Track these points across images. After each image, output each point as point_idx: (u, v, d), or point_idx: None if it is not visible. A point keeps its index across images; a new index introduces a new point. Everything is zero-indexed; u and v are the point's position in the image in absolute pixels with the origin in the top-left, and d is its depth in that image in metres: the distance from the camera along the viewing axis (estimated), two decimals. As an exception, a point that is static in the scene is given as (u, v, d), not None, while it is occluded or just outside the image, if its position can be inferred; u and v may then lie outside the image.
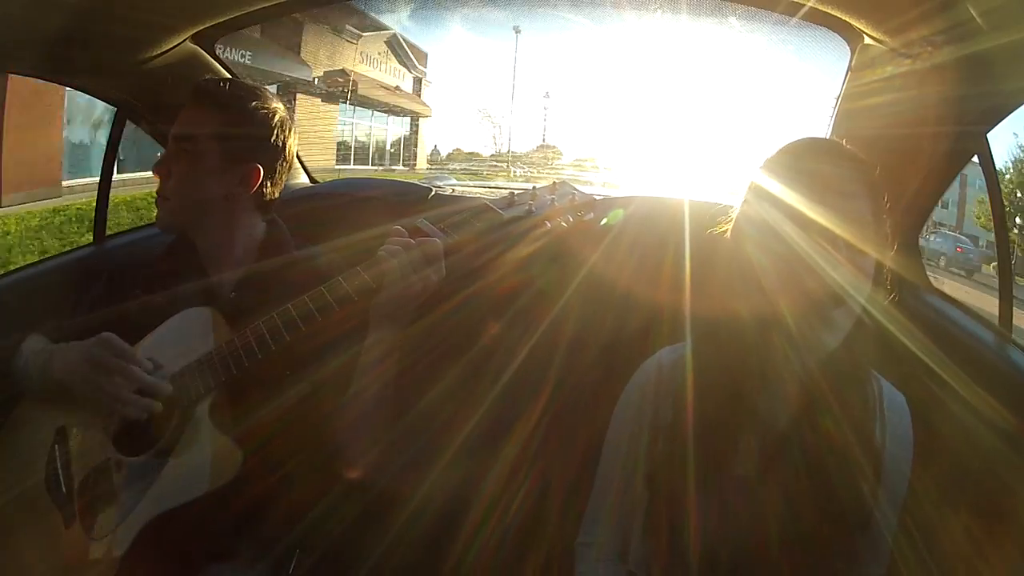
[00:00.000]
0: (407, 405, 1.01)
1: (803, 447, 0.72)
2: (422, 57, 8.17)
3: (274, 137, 1.00)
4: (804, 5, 0.96)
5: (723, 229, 0.78)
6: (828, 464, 0.71)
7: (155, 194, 1.00)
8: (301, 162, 1.52)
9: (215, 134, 0.96)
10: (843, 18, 0.93)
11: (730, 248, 0.74)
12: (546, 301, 1.08)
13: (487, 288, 1.03)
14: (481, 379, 1.06)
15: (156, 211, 1.00)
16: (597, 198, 0.91)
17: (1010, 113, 0.92)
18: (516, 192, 0.88)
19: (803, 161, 0.72)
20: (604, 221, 1.05)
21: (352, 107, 7.58)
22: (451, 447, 1.03)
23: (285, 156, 1.02)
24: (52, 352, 0.91)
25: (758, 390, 0.74)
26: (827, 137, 1.11)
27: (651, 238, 1.08)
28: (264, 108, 0.99)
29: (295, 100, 6.65)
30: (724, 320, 0.73)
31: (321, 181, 1.57)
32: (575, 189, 0.88)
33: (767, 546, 0.71)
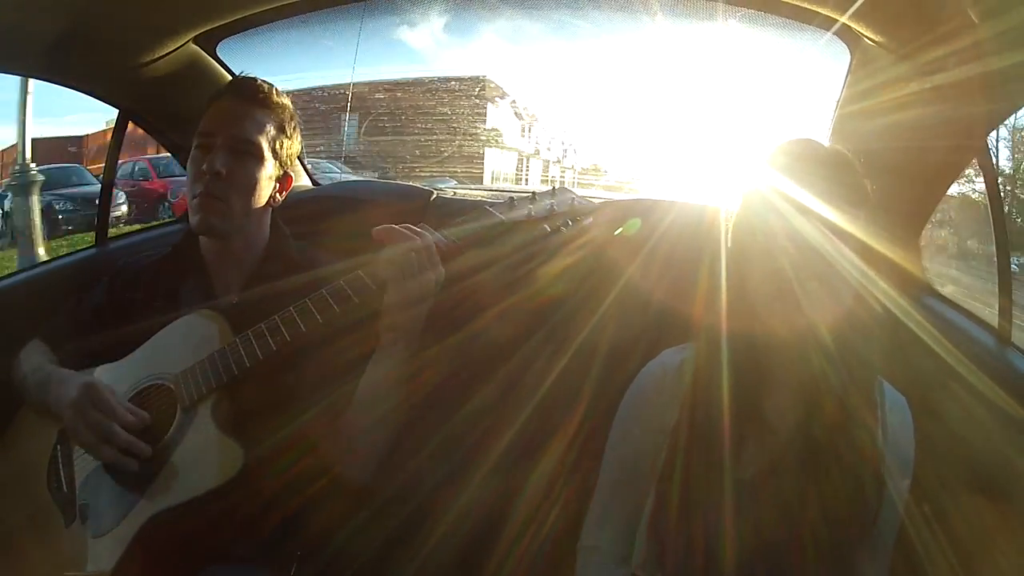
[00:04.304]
0: (437, 421, 1.03)
1: (808, 451, 0.72)
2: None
3: (299, 144, 1.03)
4: (802, 8, 0.97)
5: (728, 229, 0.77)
6: (832, 468, 0.71)
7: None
8: (303, 163, 1.53)
9: (271, 139, 0.97)
10: (843, 22, 0.94)
11: (762, 257, 0.72)
12: (572, 312, 1.08)
13: (503, 296, 1.05)
14: (513, 393, 1.06)
15: (199, 212, 0.94)
16: (595, 202, 0.91)
17: (1010, 115, 0.92)
18: (516, 196, 0.88)
19: (843, 174, 0.71)
20: (619, 231, 1.04)
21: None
22: (485, 462, 1.03)
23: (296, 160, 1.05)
24: (48, 376, 0.92)
25: (770, 394, 0.74)
26: (829, 142, 1.11)
27: (674, 245, 1.06)
28: (292, 113, 1.01)
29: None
30: (757, 329, 0.72)
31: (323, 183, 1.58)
32: (575, 194, 0.89)
33: (771, 549, 0.71)
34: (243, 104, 0.96)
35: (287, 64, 1.50)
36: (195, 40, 1.22)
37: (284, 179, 1.01)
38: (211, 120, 0.96)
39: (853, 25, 0.94)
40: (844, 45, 1.03)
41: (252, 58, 1.34)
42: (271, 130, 0.97)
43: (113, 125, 1.38)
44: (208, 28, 1.19)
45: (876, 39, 0.93)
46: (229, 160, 0.94)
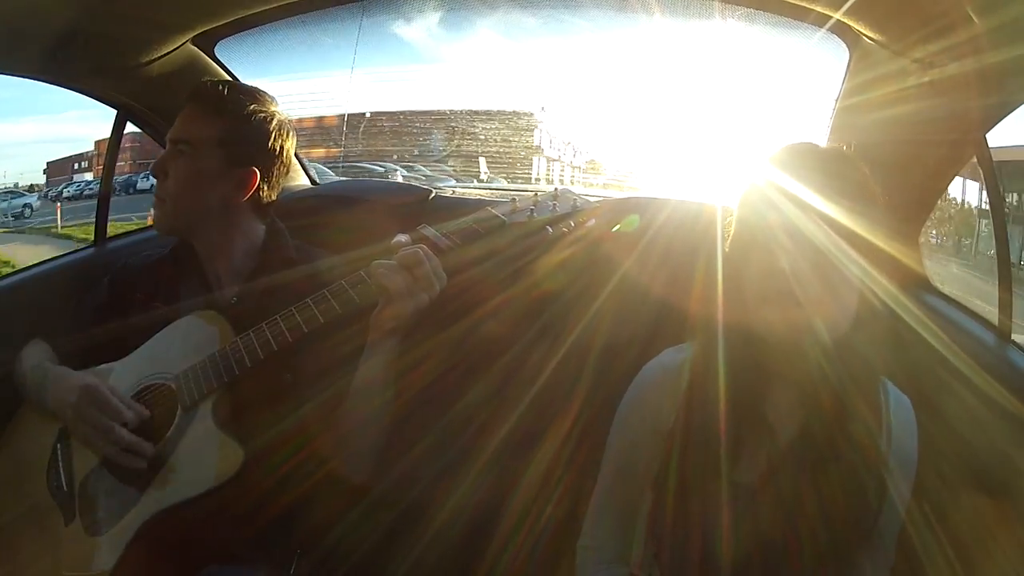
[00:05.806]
0: (434, 416, 1.03)
1: (808, 452, 0.71)
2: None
3: (272, 141, 1.00)
4: (801, 7, 0.96)
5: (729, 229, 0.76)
6: (832, 469, 0.70)
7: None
8: (302, 163, 1.52)
9: (215, 138, 0.96)
10: (841, 20, 0.94)
11: (761, 253, 0.70)
12: (569, 308, 1.07)
13: (503, 295, 1.04)
14: (510, 389, 1.06)
15: (153, 212, 1.00)
16: (593, 201, 0.91)
17: (1009, 114, 0.92)
18: (518, 197, 0.88)
19: (844, 166, 0.71)
20: (616, 227, 1.04)
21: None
22: (482, 457, 1.04)
23: (283, 160, 1.02)
24: (47, 374, 0.93)
25: (771, 395, 0.74)
26: (827, 139, 1.11)
27: (671, 241, 1.06)
28: (262, 112, 0.99)
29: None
30: (756, 328, 0.71)
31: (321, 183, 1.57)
32: (576, 195, 0.89)
33: (769, 550, 0.71)
34: (192, 108, 0.99)
35: (285, 64, 1.50)
36: (193, 40, 1.22)
37: (246, 176, 0.98)
38: (171, 128, 1.00)
39: (851, 23, 0.94)
40: (842, 43, 1.03)
41: (250, 58, 1.34)
42: (219, 130, 0.96)
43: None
44: (206, 28, 1.19)
45: (874, 37, 0.93)
46: (167, 161, 0.98)
